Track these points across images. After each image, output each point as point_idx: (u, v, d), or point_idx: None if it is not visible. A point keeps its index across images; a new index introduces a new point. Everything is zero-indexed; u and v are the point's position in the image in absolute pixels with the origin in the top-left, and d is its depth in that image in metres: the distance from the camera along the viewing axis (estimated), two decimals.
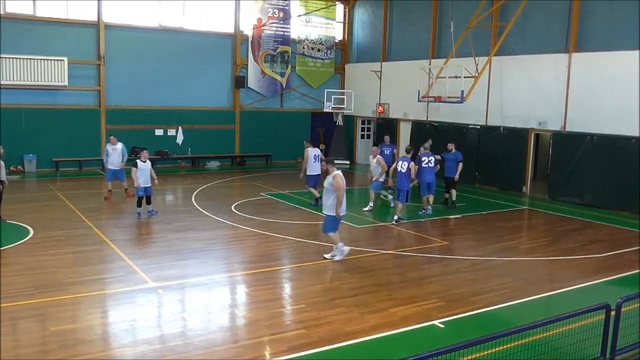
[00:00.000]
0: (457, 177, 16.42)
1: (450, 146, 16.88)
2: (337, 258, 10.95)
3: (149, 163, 14.18)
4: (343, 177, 10.73)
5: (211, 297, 9.20)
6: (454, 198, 16.63)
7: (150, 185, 14.16)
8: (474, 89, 18.92)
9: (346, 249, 11.04)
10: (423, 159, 15.64)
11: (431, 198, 15.89)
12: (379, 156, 15.71)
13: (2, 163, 13.51)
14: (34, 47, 20.93)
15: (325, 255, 11.11)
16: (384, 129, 25.93)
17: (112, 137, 16.97)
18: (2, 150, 13.92)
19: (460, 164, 16.40)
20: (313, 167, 16.01)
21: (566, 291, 9.74)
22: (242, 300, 9.22)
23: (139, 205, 14.11)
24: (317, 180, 15.94)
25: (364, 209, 15.76)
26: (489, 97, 20.87)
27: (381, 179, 15.82)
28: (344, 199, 10.71)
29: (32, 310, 8.13)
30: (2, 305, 8.16)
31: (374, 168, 15.86)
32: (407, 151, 15.13)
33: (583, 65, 17.94)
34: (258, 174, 22.67)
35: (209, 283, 9.72)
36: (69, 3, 21.74)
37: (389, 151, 18.28)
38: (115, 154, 16.47)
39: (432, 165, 15.62)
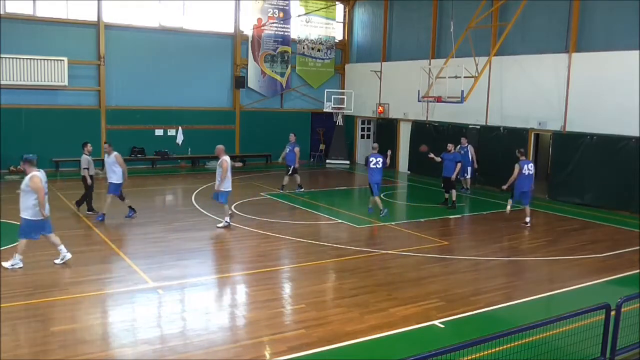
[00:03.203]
0: (453, 176, 16.48)
1: (450, 146, 17.02)
2: (16, 266, 9.92)
3: None
4: (42, 177, 9.85)
5: (211, 297, 9.20)
6: (453, 198, 16.64)
7: None
8: (474, 89, 18.92)
9: (19, 262, 9.96)
10: (371, 159, 15.05)
11: (378, 200, 15.09)
12: (224, 157, 13.38)
13: (90, 158, 14.31)
14: (34, 47, 20.93)
15: (5, 264, 9.94)
16: (384, 129, 25.99)
17: None
18: (90, 147, 14.39)
19: (459, 165, 16.54)
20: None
21: (566, 291, 9.74)
22: (242, 300, 9.22)
23: None
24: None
25: (218, 225, 13.53)
26: (489, 97, 20.88)
27: (227, 188, 13.43)
28: (45, 199, 9.88)
29: (32, 310, 8.13)
30: (2, 305, 8.16)
31: (218, 173, 13.43)
32: (522, 154, 14.73)
33: (583, 65, 17.94)
34: (258, 174, 22.66)
35: (209, 283, 9.73)
36: (69, 3, 21.74)
37: (289, 149, 18.23)
38: None
39: (379, 166, 14.95)
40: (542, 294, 9.53)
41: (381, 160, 15.02)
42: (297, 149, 18.11)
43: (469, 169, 19.10)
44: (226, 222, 13.47)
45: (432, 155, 17.47)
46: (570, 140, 18.28)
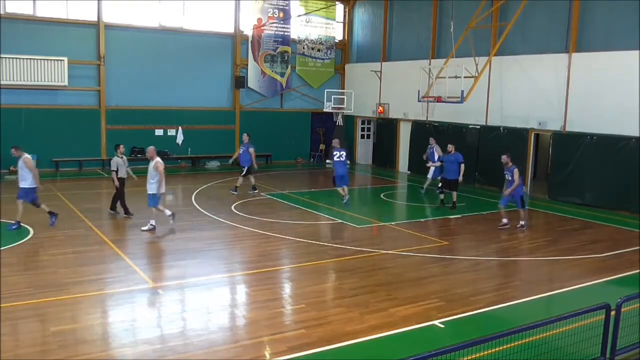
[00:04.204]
0: (460, 178, 16.42)
1: (450, 147, 16.87)
2: None
3: None
4: None
5: (211, 297, 9.19)
6: (454, 199, 16.60)
7: None
8: (474, 89, 18.91)
9: None
10: (335, 152, 16.28)
11: (346, 188, 16.36)
12: (158, 159, 13.06)
13: (124, 158, 14.35)
14: (34, 47, 20.93)
15: None
16: (384, 129, 25.99)
17: None
18: (123, 149, 14.49)
19: (462, 165, 16.39)
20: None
21: (566, 291, 9.74)
22: (242, 300, 9.22)
23: None
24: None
25: (143, 228, 13.03)
26: (489, 97, 20.88)
27: (161, 190, 13.06)
28: None
29: (32, 310, 8.14)
30: (2, 305, 8.16)
31: (150, 175, 12.98)
32: (506, 162, 14.25)
33: (583, 65, 17.94)
34: (258, 174, 22.63)
35: (209, 283, 9.72)
36: (68, 3, 21.74)
37: (243, 149, 17.77)
38: None
39: (342, 159, 16.15)
40: (542, 294, 9.53)
41: (344, 153, 16.29)
42: (251, 149, 17.57)
43: (434, 170, 18.72)
44: (152, 225, 13.00)
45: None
46: (570, 140, 18.28)
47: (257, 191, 17.96)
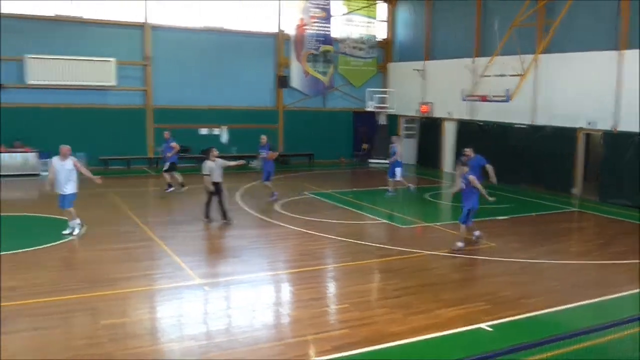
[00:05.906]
0: (494, 180, 13.84)
1: (468, 151, 14.31)
2: None
3: None
4: None
5: (256, 294, 9.27)
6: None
7: None
8: (520, 87, 18.48)
9: None
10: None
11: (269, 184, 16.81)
12: (72, 157, 12.12)
13: (214, 165, 13.50)
14: (83, 49, 21.59)
15: None
16: (428, 128, 25.71)
17: None
18: (216, 152, 13.80)
19: (488, 166, 13.89)
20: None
21: (618, 297, 9.39)
22: (286, 299, 9.27)
23: None
24: None
25: (64, 232, 12.06)
26: (536, 95, 20.38)
27: (72, 190, 12.02)
28: None
29: (84, 304, 8.37)
30: (54, 298, 8.43)
31: (66, 175, 11.91)
32: (463, 163, 12.25)
33: (635, 62, 17.30)
34: (301, 173, 22.74)
35: (253, 281, 9.81)
36: (116, 5, 22.33)
37: (164, 146, 17.62)
38: None
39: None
40: (593, 299, 9.22)
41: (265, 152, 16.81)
42: (173, 144, 17.52)
43: (400, 169, 17.95)
44: (78, 224, 12.24)
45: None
46: (621, 140, 17.66)
47: (172, 189, 17.59)
